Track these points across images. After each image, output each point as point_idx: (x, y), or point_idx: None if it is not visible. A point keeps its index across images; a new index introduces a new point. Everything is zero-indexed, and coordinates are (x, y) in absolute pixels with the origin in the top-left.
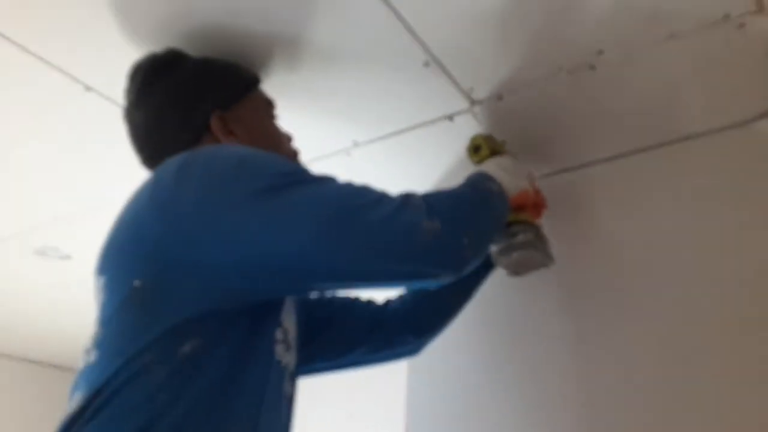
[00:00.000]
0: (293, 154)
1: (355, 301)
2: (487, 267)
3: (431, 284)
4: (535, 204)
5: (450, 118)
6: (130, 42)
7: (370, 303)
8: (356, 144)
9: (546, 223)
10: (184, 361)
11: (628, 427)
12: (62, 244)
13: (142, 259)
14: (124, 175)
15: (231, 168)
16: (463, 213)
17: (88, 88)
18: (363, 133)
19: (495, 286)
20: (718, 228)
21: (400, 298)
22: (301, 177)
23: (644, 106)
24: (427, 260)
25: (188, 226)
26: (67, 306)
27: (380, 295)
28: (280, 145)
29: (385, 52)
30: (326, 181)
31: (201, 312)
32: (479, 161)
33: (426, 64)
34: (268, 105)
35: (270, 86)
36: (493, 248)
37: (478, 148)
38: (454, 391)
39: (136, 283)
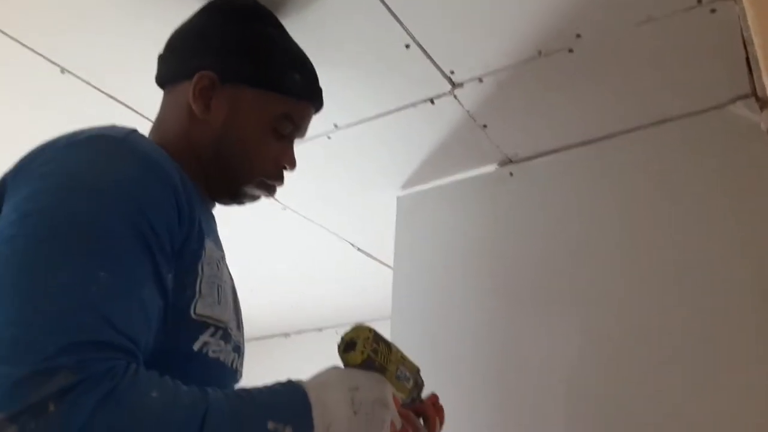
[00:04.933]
0: (262, 185)
1: None
2: None
3: None
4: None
5: (431, 101)
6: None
7: None
8: (337, 127)
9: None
10: None
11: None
12: None
13: None
14: None
15: (54, 174)
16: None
17: (63, 71)
18: (343, 117)
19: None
20: (690, 205)
21: None
22: (79, 248)
23: (621, 89)
24: None
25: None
26: None
27: None
28: (255, 159)
29: (367, 34)
30: (85, 278)
31: None
32: (344, 364)
33: (407, 47)
34: (285, 118)
35: None
36: None
37: (350, 346)
38: None
39: None
